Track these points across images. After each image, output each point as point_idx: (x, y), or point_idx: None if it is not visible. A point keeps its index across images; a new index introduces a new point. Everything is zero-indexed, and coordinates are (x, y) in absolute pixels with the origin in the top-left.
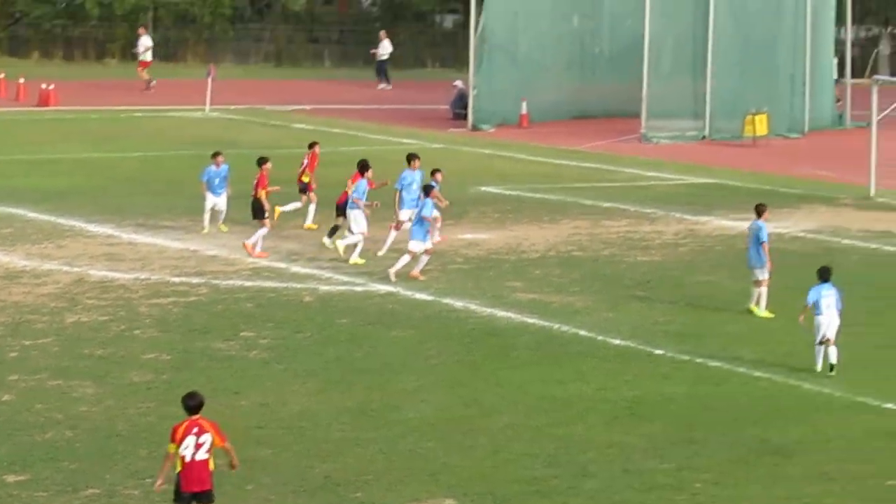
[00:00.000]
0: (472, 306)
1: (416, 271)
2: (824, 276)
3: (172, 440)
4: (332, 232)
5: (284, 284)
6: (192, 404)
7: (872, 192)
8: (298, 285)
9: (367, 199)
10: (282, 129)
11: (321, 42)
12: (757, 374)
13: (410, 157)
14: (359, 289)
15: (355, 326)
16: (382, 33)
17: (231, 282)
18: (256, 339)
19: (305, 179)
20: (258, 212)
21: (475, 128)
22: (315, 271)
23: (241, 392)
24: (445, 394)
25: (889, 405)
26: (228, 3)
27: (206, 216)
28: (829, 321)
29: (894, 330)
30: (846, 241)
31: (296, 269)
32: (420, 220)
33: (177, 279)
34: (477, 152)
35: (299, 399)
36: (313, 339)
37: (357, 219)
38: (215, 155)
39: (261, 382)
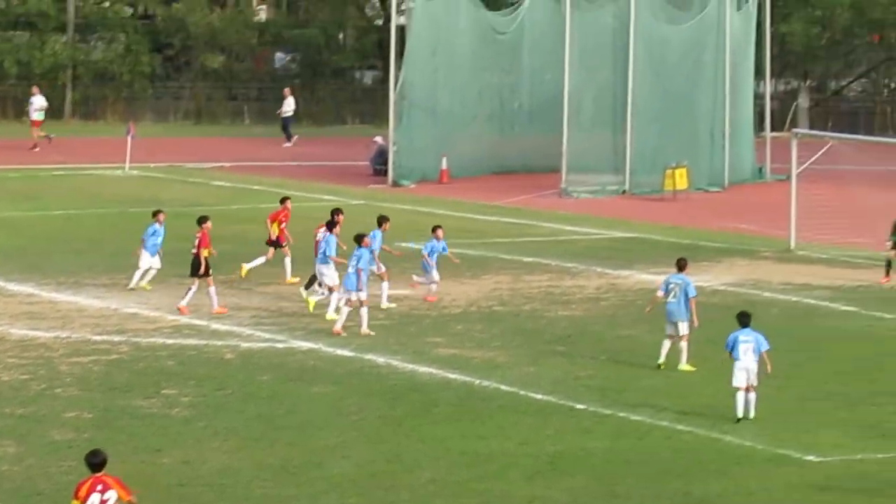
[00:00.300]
0: (394, 362)
1: (363, 328)
2: (743, 321)
3: (76, 497)
4: (310, 283)
5: (205, 342)
6: (96, 462)
7: (793, 244)
8: (219, 342)
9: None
10: (202, 186)
11: (240, 99)
12: (679, 427)
13: (435, 227)
14: (280, 345)
15: (277, 383)
16: (286, 90)
17: (152, 339)
18: (178, 396)
19: (276, 234)
20: (195, 269)
21: (395, 184)
22: (236, 328)
23: (163, 450)
24: (367, 450)
25: (810, 457)
26: (147, 61)
27: (139, 274)
28: (747, 366)
29: (815, 382)
30: (767, 294)
31: (216, 326)
32: (354, 271)
33: (98, 337)
34: (397, 208)
35: (221, 456)
36: (235, 396)
37: (328, 273)
38: (157, 213)
39: (182, 440)
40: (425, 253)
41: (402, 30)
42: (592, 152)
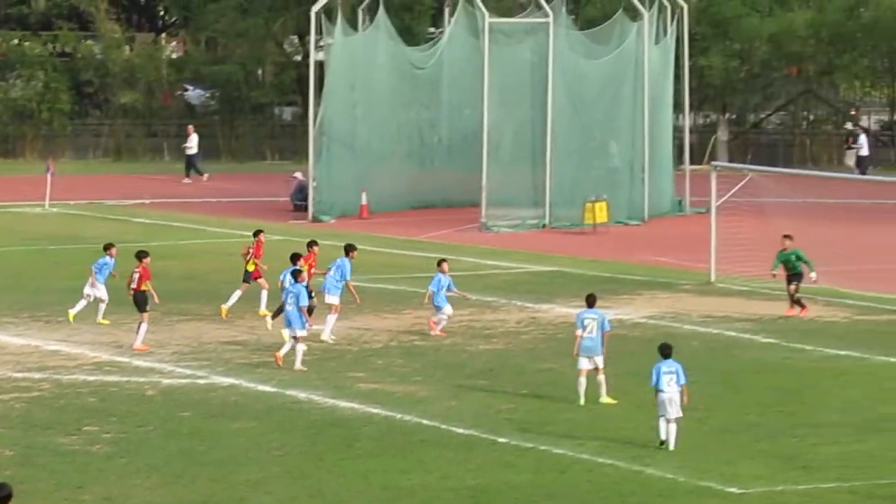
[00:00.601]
0: (315, 397)
1: (297, 364)
2: (665, 352)
3: None
4: (277, 314)
5: (127, 378)
6: (1, 496)
7: (713, 277)
8: (141, 379)
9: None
10: (123, 222)
11: (159, 136)
12: (600, 460)
13: (440, 262)
14: (201, 381)
15: (198, 419)
16: (190, 128)
17: (73, 376)
18: (99, 433)
19: (250, 268)
20: (141, 305)
21: (315, 219)
22: (157, 364)
23: (85, 486)
24: (289, 485)
25: (732, 489)
26: (66, 98)
27: (81, 305)
28: (671, 397)
29: (735, 414)
30: (687, 327)
31: (138, 362)
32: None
33: (19, 374)
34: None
35: (143, 493)
36: (156, 432)
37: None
38: (108, 247)
39: (104, 477)
40: (432, 290)
41: (320, 65)
42: (512, 186)
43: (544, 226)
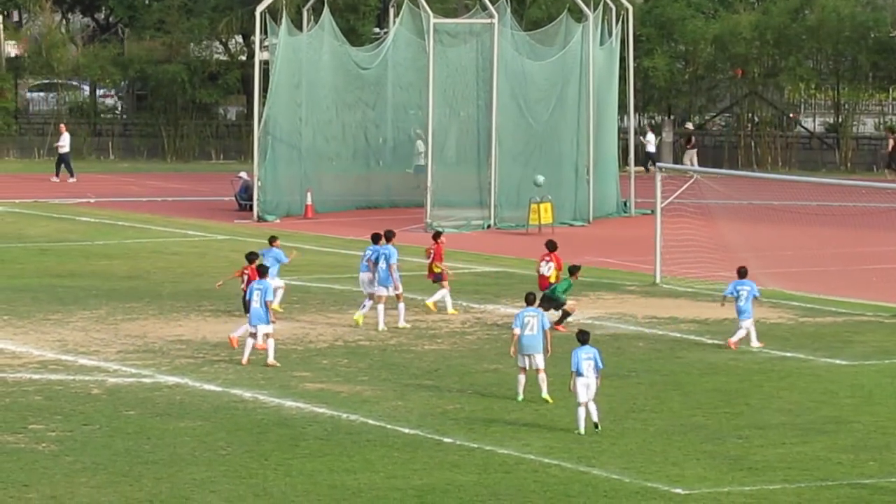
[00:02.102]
0: (261, 397)
1: (270, 359)
2: (583, 339)
3: None
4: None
5: (72, 377)
6: None
7: (658, 279)
8: (86, 377)
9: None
10: (68, 221)
11: (105, 135)
12: (546, 460)
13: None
14: (147, 380)
15: (144, 418)
16: (62, 126)
17: (19, 375)
18: (45, 431)
19: (437, 270)
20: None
21: (260, 219)
22: (102, 363)
23: (30, 485)
24: (235, 484)
25: (678, 490)
26: (11, 97)
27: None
28: (588, 382)
29: (681, 415)
30: (632, 328)
31: (83, 361)
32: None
33: None
34: (262, 243)
35: (88, 491)
36: (102, 431)
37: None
38: (273, 240)
39: (50, 475)
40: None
41: (265, 65)
42: (457, 187)
43: (489, 226)
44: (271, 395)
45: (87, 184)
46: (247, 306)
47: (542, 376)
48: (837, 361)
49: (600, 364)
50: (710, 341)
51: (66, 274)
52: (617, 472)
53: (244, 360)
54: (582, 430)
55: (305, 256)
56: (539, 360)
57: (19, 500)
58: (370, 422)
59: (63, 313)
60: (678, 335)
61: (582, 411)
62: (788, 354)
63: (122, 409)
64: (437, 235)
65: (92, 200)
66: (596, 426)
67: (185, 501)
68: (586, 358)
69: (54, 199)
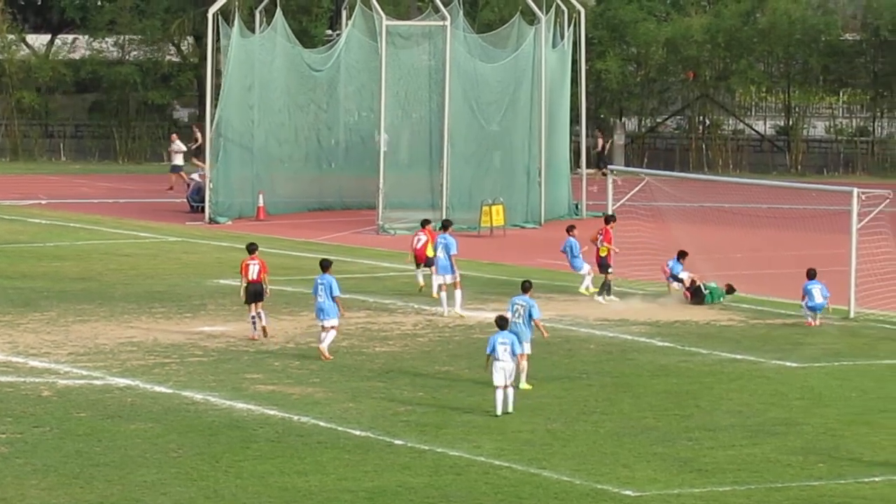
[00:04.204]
0: (212, 398)
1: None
2: (501, 324)
3: None
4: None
5: (22, 379)
6: None
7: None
8: (37, 379)
9: None
10: (18, 222)
11: (56, 136)
12: (497, 463)
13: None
14: (97, 382)
15: (94, 420)
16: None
17: None
18: None
19: (603, 253)
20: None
21: (212, 221)
22: (53, 365)
23: None
24: (186, 486)
25: (628, 492)
26: None
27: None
28: (505, 366)
29: (631, 417)
30: (584, 330)
31: (34, 363)
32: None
33: None
34: (214, 245)
35: (39, 494)
36: (52, 433)
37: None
38: (570, 229)
39: (0, 477)
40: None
41: (218, 67)
42: (409, 189)
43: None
44: (223, 397)
45: (38, 185)
46: (250, 297)
47: (524, 364)
48: (787, 364)
49: (517, 349)
50: (660, 343)
51: (16, 276)
52: (568, 474)
53: (325, 353)
54: (498, 413)
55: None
56: (525, 347)
57: None
58: (321, 424)
59: (14, 315)
60: (629, 337)
61: (499, 394)
62: (739, 357)
63: (73, 412)
64: (608, 219)
65: (43, 202)
66: (506, 412)
67: (136, 503)
68: (502, 343)
69: (6, 201)
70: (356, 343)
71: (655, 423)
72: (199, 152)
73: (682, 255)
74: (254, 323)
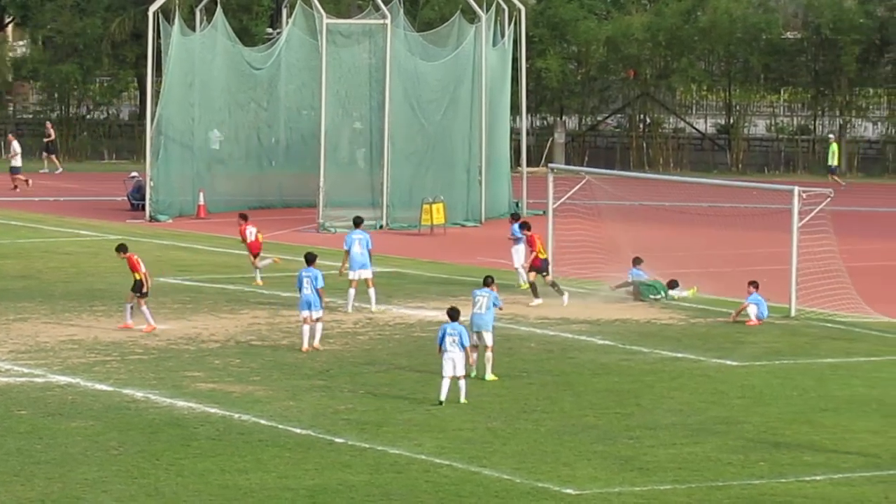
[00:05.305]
0: (153, 396)
1: (317, 342)
2: (452, 315)
3: None
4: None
5: None
6: None
7: (550, 279)
8: None
9: None
10: None
11: None
12: (438, 460)
13: None
14: (38, 380)
15: (35, 418)
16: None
17: None
18: None
19: (543, 256)
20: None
21: (153, 218)
22: None
23: None
24: (127, 484)
25: (569, 490)
26: None
27: None
28: (454, 356)
29: (572, 416)
30: (524, 329)
31: None
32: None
33: None
34: (155, 243)
35: None
36: None
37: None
38: None
39: None
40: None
41: (158, 65)
42: (349, 187)
43: (382, 227)
44: (163, 394)
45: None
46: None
47: (489, 354)
48: (728, 362)
49: (465, 342)
50: (601, 342)
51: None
52: (508, 473)
53: (305, 347)
54: (442, 399)
55: (197, 256)
56: (487, 338)
57: None
58: (262, 422)
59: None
60: (570, 336)
61: (445, 383)
62: (679, 355)
63: (14, 409)
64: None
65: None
66: (441, 403)
67: (77, 501)
68: (451, 334)
69: None
70: (296, 341)
71: (596, 421)
72: (50, 148)
73: (637, 262)
74: None
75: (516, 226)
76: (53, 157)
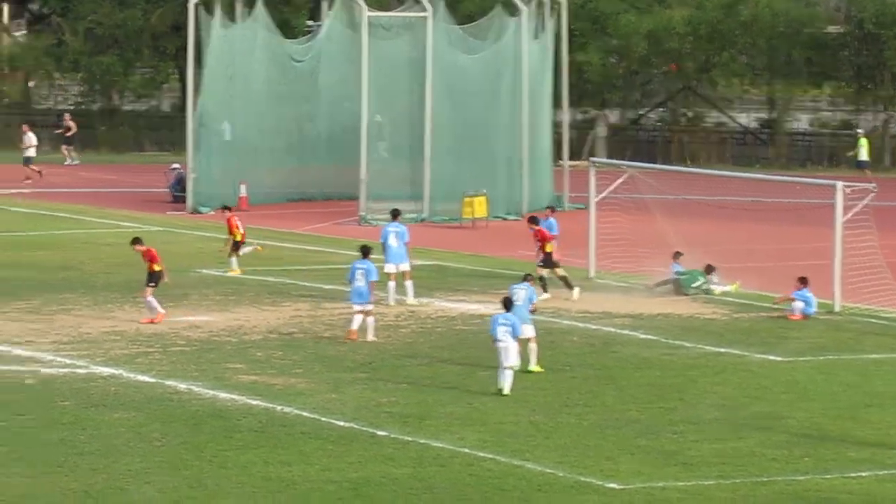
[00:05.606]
0: (196, 388)
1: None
2: (507, 306)
3: None
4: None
5: (6, 367)
6: None
7: (592, 273)
8: (20, 368)
9: None
10: (2, 212)
11: (38, 126)
12: (480, 454)
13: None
14: (81, 371)
15: (78, 409)
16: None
17: None
18: None
19: (549, 249)
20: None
21: (194, 211)
22: (36, 354)
23: None
24: (170, 476)
25: (612, 485)
26: None
27: None
28: (507, 346)
29: (615, 410)
30: (566, 322)
31: (18, 351)
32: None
33: None
34: (196, 235)
35: (23, 482)
36: (36, 421)
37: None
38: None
39: None
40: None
41: (199, 57)
42: (391, 180)
43: (423, 220)
44: (206, 386)
45: (21, 173)
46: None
47: (533, 346)
48: (772, 357)
49: (518, 332)
50: (643, 336)
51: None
52: (551, 467)
53: (355, 336)
54: (502, 389)
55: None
56: (528, 330)
57: None
58: (305, 414)
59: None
60: (612, 329)
61: (507, 374)
62: (723, 350)
63: (57, 400)
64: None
65: (26, 191)
66: (500, 392)
67: (120, 492)
68: (504, 324)
69: None
70: (339, 334)
71: (639, 415)
72: (69, 141)
73: (677, 256)
74: None
75: (552, 220)
76: (70, 148)
